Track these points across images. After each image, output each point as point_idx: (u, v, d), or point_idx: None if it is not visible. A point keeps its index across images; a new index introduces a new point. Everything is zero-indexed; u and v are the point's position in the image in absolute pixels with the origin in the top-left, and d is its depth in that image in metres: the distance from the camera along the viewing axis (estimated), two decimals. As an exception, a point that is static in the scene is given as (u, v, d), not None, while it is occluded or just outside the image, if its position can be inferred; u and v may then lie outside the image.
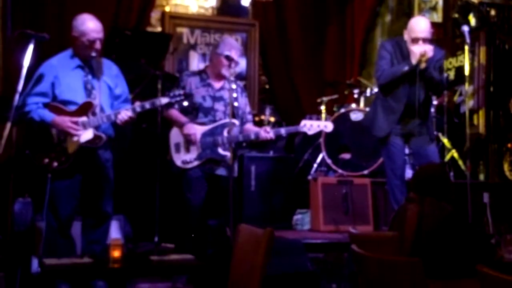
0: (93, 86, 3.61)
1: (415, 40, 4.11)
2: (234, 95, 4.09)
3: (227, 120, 4.07)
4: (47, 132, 3.54)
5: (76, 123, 3.50)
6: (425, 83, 4.20)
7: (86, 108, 3.55)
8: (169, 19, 6.26)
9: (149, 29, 6.15)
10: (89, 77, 3.63)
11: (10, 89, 3.36)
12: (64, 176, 3.55)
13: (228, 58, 4.04)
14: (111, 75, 3.72)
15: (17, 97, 3.22)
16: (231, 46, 4.10)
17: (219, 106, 4.13)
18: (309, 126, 4.13)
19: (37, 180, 4.25)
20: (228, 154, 4.04)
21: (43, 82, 3.54)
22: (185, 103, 3.84)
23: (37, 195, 4.25)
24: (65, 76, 3.58)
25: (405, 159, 4.42)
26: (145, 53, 5.11)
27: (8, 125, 3.15)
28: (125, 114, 3.53)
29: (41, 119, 3.51)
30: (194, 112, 4.06)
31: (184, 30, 6.30)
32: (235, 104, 4.07)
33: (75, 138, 3.52)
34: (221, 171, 4.11)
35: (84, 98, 3.58)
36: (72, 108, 3.56)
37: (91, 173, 3.64)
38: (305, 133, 5.92)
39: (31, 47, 3.29)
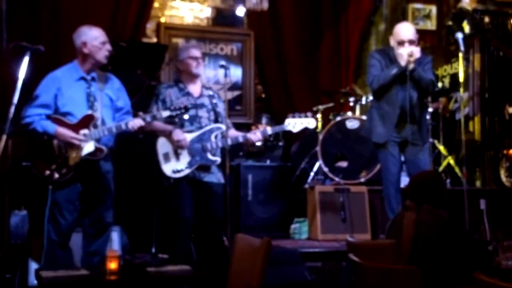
0: (96, 98, 3.67)
1: (401, 43, 4.27)
2: (214, 101, 4.12)
3: (213, 125, 4.08)
4: (49, 144, 3.56)
5: (78, 134, 3.53)
6: (416, 84, 4.28)
7: (87, 121, 3.59)
8: (164, 30, 6.28)
9: (145, 40, 6.16)
10: (92, 89, 3.68)
11: (5, 101, 3.34)
12: (64, 187, 3.56)
13: (193, 58, 4.10)
14: (113, 88, 3.79)
15: (12, 109, 3.22)
16: (187, 48, 4.20)
17: (202, 113, 4.13)
18: (294, 124, 4.14)
19: (34, 193, 4.26)
20: (217, 159, 4.04)
21: (46, 94, 3.59)
22: (186, 117, 3.90)
23: (34, 208, 4.24)
24: (68, 88, 3.62)
25: (401, 167, 4.46)
26: (141, 64, 5.12)
27: (4, 137, 3.15)
28: (137, 121, 3.63)
29: (44, 130, 3.54)
30: (178, 122, 4.05)
31: (179, 41, 6.31)
32: (217, 109, 4.11)
33: (77, 151, 3.55)
34: (209, 178, 4.09)
35: (86, 109, 3.62)
36: (74, 120, 3.59)
37: (92, 184, 3.65)
38: (301, 141, 5.98)
39: (26, 59, 3.29)
